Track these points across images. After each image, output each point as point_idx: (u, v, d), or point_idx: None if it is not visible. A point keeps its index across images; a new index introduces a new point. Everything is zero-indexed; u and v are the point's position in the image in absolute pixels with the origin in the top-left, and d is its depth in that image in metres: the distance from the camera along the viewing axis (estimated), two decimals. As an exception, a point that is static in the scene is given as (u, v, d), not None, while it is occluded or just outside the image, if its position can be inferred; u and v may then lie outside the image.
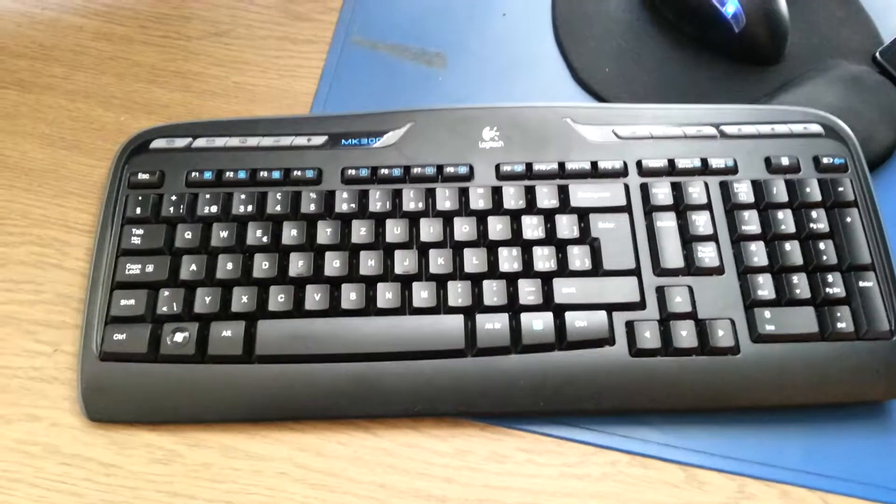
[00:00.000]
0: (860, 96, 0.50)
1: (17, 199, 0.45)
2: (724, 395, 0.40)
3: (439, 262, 0.41)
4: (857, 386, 0.41)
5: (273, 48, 0.52)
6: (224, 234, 0.42)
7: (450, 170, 0.44)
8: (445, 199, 0.43)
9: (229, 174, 0.44)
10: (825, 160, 0.45)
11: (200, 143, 0.45)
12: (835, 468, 0.40)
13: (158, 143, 0.45)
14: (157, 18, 0.52)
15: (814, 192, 0.44)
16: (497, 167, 0.45)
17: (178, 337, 0.39)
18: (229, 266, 0.41)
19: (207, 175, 0.44)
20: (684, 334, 0.40)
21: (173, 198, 0.43)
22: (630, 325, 0.40)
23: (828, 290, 0.41)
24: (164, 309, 0.40)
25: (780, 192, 0.44)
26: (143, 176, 0.44)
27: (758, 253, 0.42)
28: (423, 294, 0.41)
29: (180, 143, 0.45)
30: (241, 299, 0.40)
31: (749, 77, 0.52)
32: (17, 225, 0.45)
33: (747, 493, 0.40)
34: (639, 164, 0.45)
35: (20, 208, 0.45)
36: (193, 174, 0.44)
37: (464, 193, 0.44)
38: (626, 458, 0.40)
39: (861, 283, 0.42)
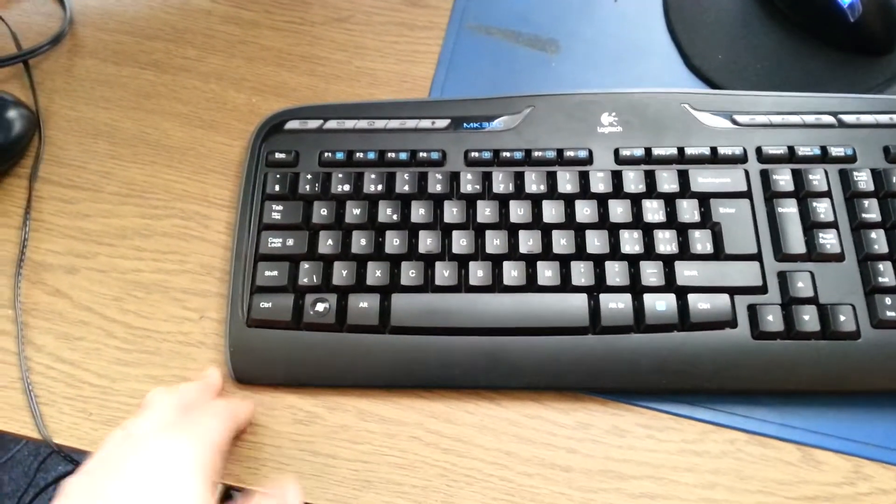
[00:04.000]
0: None
1: (159, 174, 0.48)
2: (844, 379, 0.41)
3: (562, 242, 0.43)
4: None
5: (392, 34, 0.54)
6: (357, 211, 0.44)
7: (569, 153, 0.46)
8: (566, 181, 0.45)
9: (359, 154, 0.46)
10: (947, 150, 0.45)
11: (331, 124, 0.47)
12: None
13: (292, 125, 0.47)
14: (280, 4, 0.55)
15: (937, 181, 0.44)
16: (616, 151, 0.46)
17: (320, 307, 0.42)
18: (363, 242, 0.43)
19: (339, 155, 0.46)
20: (807, 318, 0.41)
21: (308, 176, 0.45)
22: (752, 309, 0.41)
23: (952, 279, 0.42)
24: (305, 280, 0.42)
25: (901, 181, 0.44)
26: (279, 155, 0.46)
27: (878, 240, 0.43)
28: (547, 273, 0.42)
29: (312, 124, 0.47)
30: (376, 273, 0.42)
31: (862, 67, 0.52)
32: (161, 199, 0.48)
33: (864, 473, 0.40)
34: (758, 150, 0.46)
35: (162, 183, 0.48)
36: (326, 154, 0.46)
37: (584, 177, 0.45)
38: (745, 436, 0.41)
39: None
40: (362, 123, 0.47)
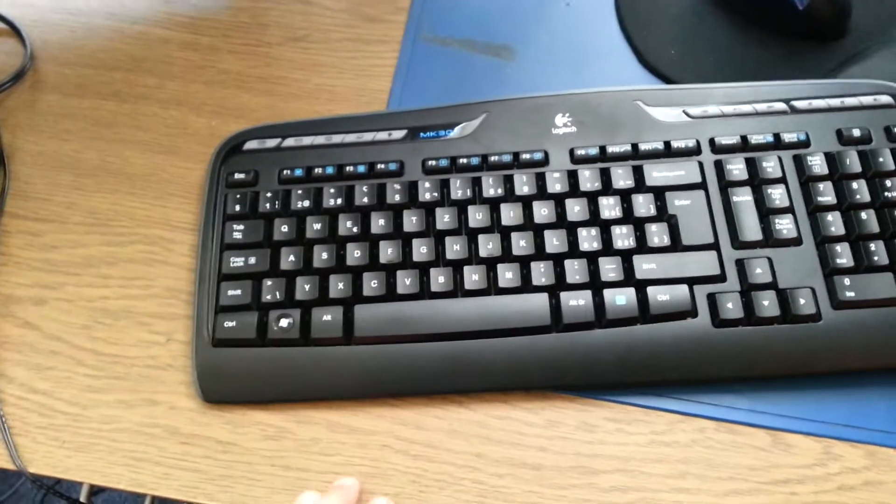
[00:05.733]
0: None
1: (122, 202, 0.49)
2: (808, 362, 0.41)
3: (521, 244, 0.43)
4: None
5: (347, 50, 0.54)
6: (317, 225, 0.45)
7: (525, 156, 0.46)
8: (523, 184, 0.45)
9: (318, 170, 0.46)
10: (897, 130, 0.46)
11: (289, 142, 0.48)
12: None
13: (251, 145, 0.48)
14: (237, 27, 0.56)
15: (887, 161, 0.44)
16: (571, 151, 0.46)
17: (283, 322, 0.42)
18: (324, 255, 0.44)
19: (298, 172, 0.46)
20: (766, 304, 0.41)
21: (268, 194, 0.46)
22: (712, 297, 0.42)
23: (908, 256, 0.42)
24: (268, 297, 0.43)
25: (853, 162, 0.45)
26: (238, 175, 0.47)
27: (834, 223, 0.43)
28: (507, 275, 0.43)
29: (271, 143, 0.48)
30: (338, 286, 0.43)
31: (814, 53, 0.53)
32: (125, 226, 0.48)
33: (833, 454, 0.41)
34: (711, 141, 0.46)
35: (126, 210, 0.49)
36: (285, 171, 0.47)
37: (540, 178, 0.45)
38: (714, 424, 0.41)
39: (942, 248, 0.42)
40: (320, 139, 0.48)
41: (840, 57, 0.52)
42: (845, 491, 0.40)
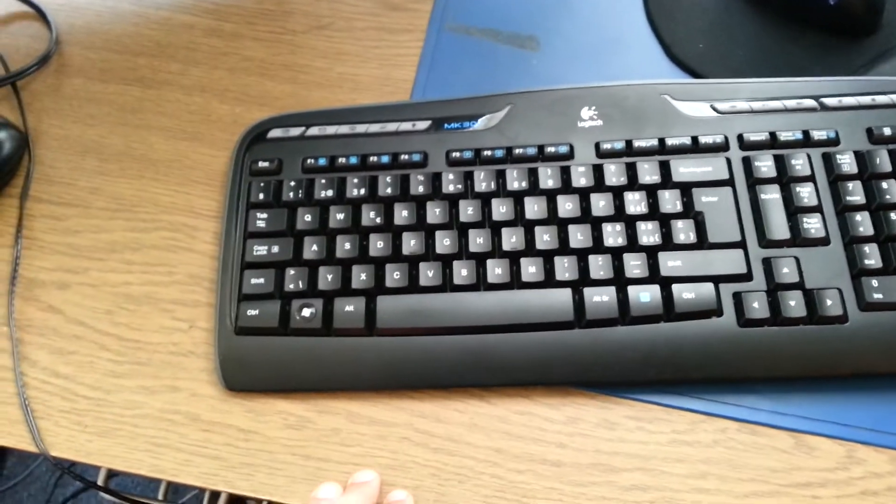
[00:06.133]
0: None
1: (146, 188, 0.49)
2: (833, 363, 0.41)
3: (545, 238, 0.43)
4: None
5: (372, 39, 0.54)
6: (340, 216, 0.45)
7: (550, 149, 0.46)
8: (548, 177, 0.45)
9: (342, 160, 0.46)
10: (931, 129, 0.45)
11: (313, 131, 0.47)
12: None
13: (275, 133, 0.48)
14: (262, 14, 0.55)
15: (920, 161, 0.44)
16: (597, 145, 0.46)
17: (306, 312, 0.42)
18: (347, 246, 0.44)
19: (322, 161, 0.46)
20: (793, 304, 0.41)
21: (292, 183, 0.46)
22: (738, 296, 0.41)
23: (938, 258, 0.41)
24: (291, 286, 0.43)
25: (883, 162, 0.44)
26: (262, 164, 0.47)
27: (863, 223, 0.42)
28: (530, 269, 0.42)
29: (295, 131, 0.48)
30: (361, 277, 0.43)
31: (845, 49, 0.52)
32: (149, 212, 0.48)
33: (856, 458, 0.40)
34: (740, 137, 0.45)
35: (150, 197, 0.49)
36: (309, 161, 0.46)
37: (565, 172, 0.45)
38: (736, 425, 0.41)
39: (973, 252, 0.41)
40: (344, 129, 0.47)
41: (871, 53, 0.52)
42: (868, 496, 0.39)
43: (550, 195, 0.44)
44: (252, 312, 0.42)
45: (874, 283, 0.41)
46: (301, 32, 0.55)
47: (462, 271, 0.43)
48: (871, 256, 0.42)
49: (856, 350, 0.41)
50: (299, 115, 0.49)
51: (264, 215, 0.45)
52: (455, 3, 0.55)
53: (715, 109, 0.47)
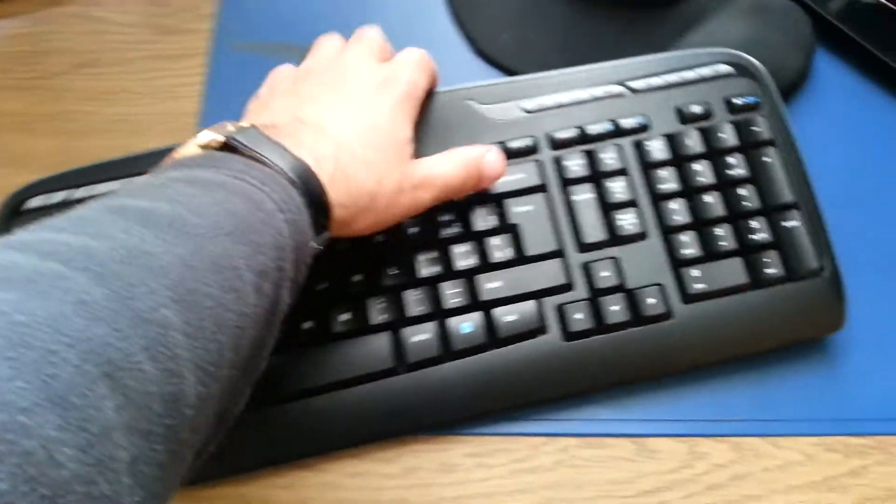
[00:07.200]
0: (768, 24, 0.49)
1: None
2: (664, 363, 0.40)
3: (354, 279, 0.39)
4: (793, 328, 0.40)
5: (147, 70, 0.48)
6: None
7: (352, 176, 0.42)
8: (352, 208, 0.41)
9: (119, 222, 0.41)
10: (737, 101, 0.44)
11: (80, 193, 0.42)
12: (782, 411, 0.40)
13: (35, 202, 0.42)
14: (14, 59, 0.48)
15: (729, 137, 0.42)
16: (401, 165, 0.42)
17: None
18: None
19: (95, 227, 0.41)
20: (615, 309, 0.39)
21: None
22: (561, 309, 0.39)
23: (753, 236, 0.40)
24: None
25: (694, 143, 0.42)
26: (25, 240, 0.40)
27: (679, 211, 0.41)
28: (341, 317, 0.39)
29: (58, 197, 0.42)
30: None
31: (656, 22, 0.51)
32: None
33: (698, 452, 0.39)
34: (549, 137, 0.43)
35: None
36: (80, 229, 0.41)
37: (371, 199, 0.41)
38: (576, 441, 0.39)
39: (786, 224, 0.41)
40: (116, 185, 0.42)
41: (681, 23, 0.50)
42: (714, 490, 0.39)
43: (356, 228, 0.41)
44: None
45: (695, 272, 0.40)
46: (62, 74, 0.48)
47: (266, 332, 0.38)
48: (690, 245, 0.40)
49: (684, 345, 0.39)
50: (61, 177, 0.42)
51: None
52: (238, 20, 0.50)
53: (523, 109, 0.44)
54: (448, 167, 0.38)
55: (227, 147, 0.31)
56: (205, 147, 0.32)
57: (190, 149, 0.32)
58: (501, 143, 0.42)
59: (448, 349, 0.39)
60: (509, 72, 0.48)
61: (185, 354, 0.23)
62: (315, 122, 0.34)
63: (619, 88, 0.44)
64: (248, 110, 0.39)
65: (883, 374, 0.42)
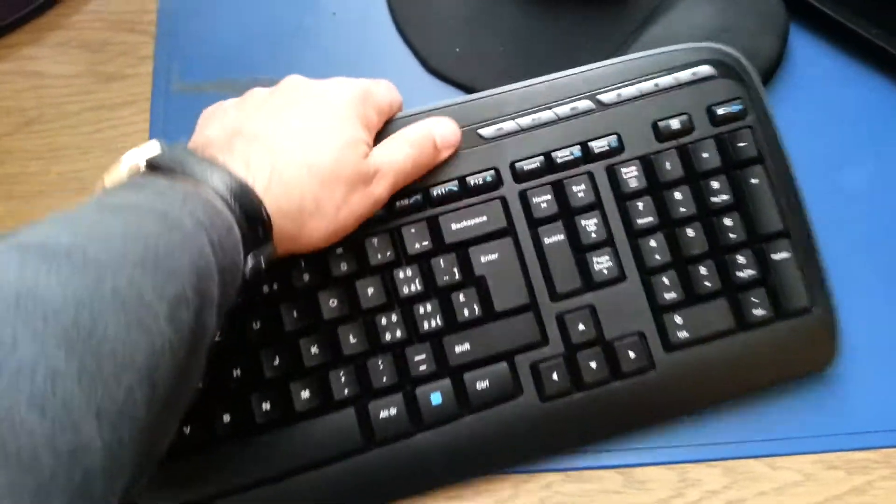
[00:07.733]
0: (736, 7, 0.44)
1: None
2: (646, 415, 0.38)
3: (312, 351, 0.37)
4: (781, 368, 0.38)
5: (90, 122, 0.45)
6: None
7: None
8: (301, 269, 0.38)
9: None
10: (720, 111, 0.39)
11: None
12: (777, 429, 0.38)
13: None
14: (-47, 122, 0.46)
15: (711, 157, 0.39)
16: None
17: None
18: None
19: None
20: (593, 366, 0.37)
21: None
22: (535, 368, 0.37)
23: (739, 273, 0.37)
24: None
25: (673, 166, 0.39)
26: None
27: (658, 249, 0.38)
28: (303, 395, 0.37)
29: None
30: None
31: (613, 16, 0.46)
32: None
33: (690, 479, 0.38)
34: (512, 167, 0.39)
35: None
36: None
37: (320, 261, 0.38)
38: (560, 476, 0.38)
39: (774, 256, 0.37)
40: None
41: (639, 16, 0.45)
42: (709, 521, 0.37)
43: (306, 292, 0.38)
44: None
45: (677, 319, 0.37)
46: (7, 135, 0.45)
47: (224, 417, 0.37)
48: (671, 289, 0.37)
49: (668, 396, 0.37)
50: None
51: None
52: (179, 60, 0.46)
53: (480, 136, 0.40)
54: (395, 152, 0.36)
55: (151, 167, 0.30)
56: (131, 170, 0.31)
57: (116, 174, 0.31)
58: (461, 179, 0.39)
59: (418, 421, 0.37)
60: (467, 89, 0.44)
61: (78, 403, 0.21)
62: (250, 133, 0.33)
63: (586, 104, 0.40)
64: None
65: (888, 382, 0.39)
